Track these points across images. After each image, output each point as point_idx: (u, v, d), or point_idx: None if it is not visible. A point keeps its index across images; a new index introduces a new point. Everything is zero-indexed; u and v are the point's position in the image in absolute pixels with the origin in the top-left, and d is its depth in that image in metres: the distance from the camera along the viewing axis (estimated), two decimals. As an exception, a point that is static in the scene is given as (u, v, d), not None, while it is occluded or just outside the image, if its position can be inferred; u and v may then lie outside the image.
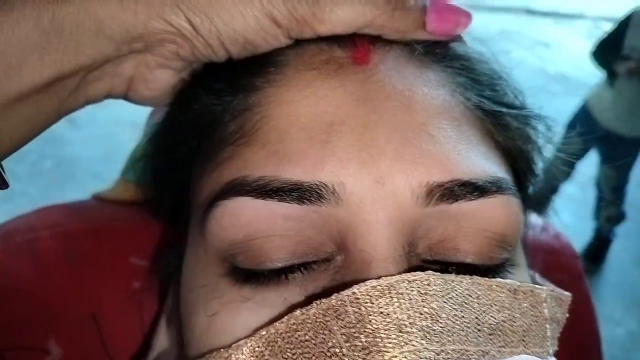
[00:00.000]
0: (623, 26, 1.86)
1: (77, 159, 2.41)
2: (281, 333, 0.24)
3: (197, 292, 0.29)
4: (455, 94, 0.30)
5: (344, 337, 0.23)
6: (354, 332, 0.22)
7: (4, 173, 0.28)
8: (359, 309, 0.23)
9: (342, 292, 0.23)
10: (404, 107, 0.28)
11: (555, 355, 0.27)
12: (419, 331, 0.22)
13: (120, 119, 2.57)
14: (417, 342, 0.22)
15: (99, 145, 2.47)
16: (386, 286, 0.23)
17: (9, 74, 0.25)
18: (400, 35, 0.29)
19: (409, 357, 0.22)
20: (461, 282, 0.25)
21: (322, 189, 0.25)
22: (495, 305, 0.25)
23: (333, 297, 0.23)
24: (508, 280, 0.26)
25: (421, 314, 0.23)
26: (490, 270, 0.27)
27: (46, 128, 0.28)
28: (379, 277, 0.24)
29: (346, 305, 0.23)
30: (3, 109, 0.25)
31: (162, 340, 0.37)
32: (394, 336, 0.22)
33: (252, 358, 0.24)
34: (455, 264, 0.27)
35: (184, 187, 0.33)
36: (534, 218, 0.52)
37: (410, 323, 0.22)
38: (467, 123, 0.29)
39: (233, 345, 0.25)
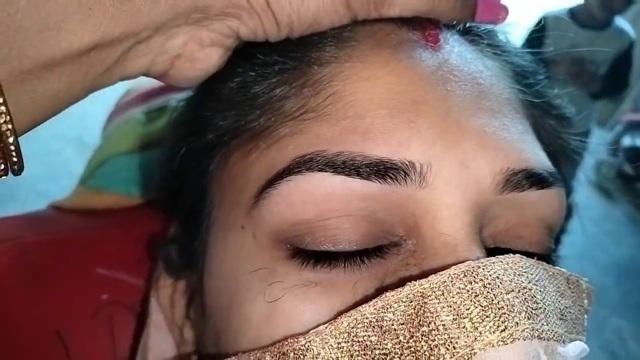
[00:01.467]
0: (537, 32, 1.91)
1: (18, 178, 2.27)
2: (368, 317, 0.22)
3: (248, 278, 0.26)
4: (513, 87, 0.31)
5: (450, 316, 0.22)
6: (462, 312, 0.22)
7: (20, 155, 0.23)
8: (464, 288, 0.22)
9: (441, 273, 0.23)
10: (478, 93, 0.28)
11: None
12: (525, 311, 0.22)
13: (62, 135, 2.46)
14: (525, 321, 0.22)
15: (41, 162, 2.35)
16: (485, 266, 0.23)
17: (44, 34, 0.21)
18: (453, 22, 0.29)
19: (523, 335, 0.21)
20: (538, 266, 0.25)
21: (410, 168, 0.25)
22: (559, 292, 0.25)
23: (429, 277, 0.23)
24: (562, 269, 0.27)
25: (523, 294, 0.23)
26: (543, 259, 0.27)
27: (68, 106, 0.25)
28: (477, 259, 0.23)
29: (447, 285, 0.22)
30: (30, 79, 0.22)
31: (158, 345, 0.35)
32: (507, 315, 0.22)
33: (335, 344, 0.22)
34: (516, 252, 0.26)
35: (208, 171, 0.30)
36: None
37: (518, 302, 0.22)
38: (525, 116, 0.30)
39: (311, 331, 0.23)
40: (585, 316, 0.27)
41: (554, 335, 0.23)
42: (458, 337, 0.22)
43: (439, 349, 0.22)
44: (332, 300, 0.25)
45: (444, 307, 0.22)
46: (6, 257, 0.38)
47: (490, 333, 0.21)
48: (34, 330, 0.36)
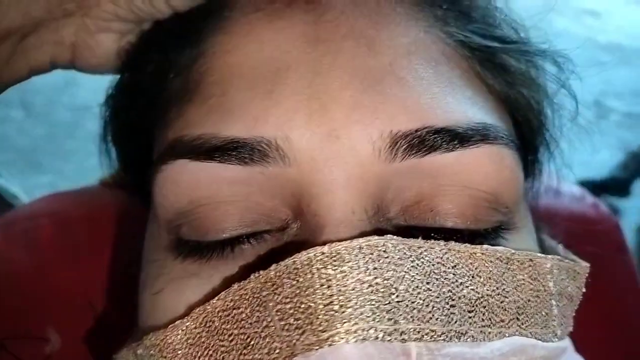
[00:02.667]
0: None
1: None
2: (218, 311, 0.21)
3: (147, 268, 0.26)
4: (432, 30, 0.26)
5: (278, 314, 0.19)
6: (289, 309, 0.19)
7: None
8: (297, 280, 0.19)
9: (282, 262, 0.20)
10: (365, 47, 0.24)
11: (570, 335, 0.24)
12: (366, 306, 0.19)
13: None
14: (362, 319, 0.18)
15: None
16: (332, 253, 0.19)
17: None
18: None
19: (350, 338, 0.18)
20: (432, 248, 0.21)
21: (264, 145, 0.22)
22: (479, 276, 0.21)
23: (272, 267, 0.20)
24: (499, 248, 0.22)
25: (371, 285, 0.19)
26: (478, 235, 0.23)
27: None
28: (325, 244, 0.20)
29: (283, 277, 0.20)
30: None
31: None
32: (333, 312, 0.19)
33: (188, 340, 0.21)
34: (435, 230, 0.23)
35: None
36: (570, 187, 0.47)
37: (356, 296, 0.19)
38: (448, 63, 0.25)
39: (170, 325, 0.22)
40: (555, 302, 0.23)
41: (425, 334, 0.19)
42: (282, 339, 0.19)
43: (267, 349, 0.19)
44: (205, 293, 0.23)
45: (276, 304, 0.20)
46: (51, 229, 0.41)
47: (314, 335, 0.18)
48: (69, 296, 0.38)
